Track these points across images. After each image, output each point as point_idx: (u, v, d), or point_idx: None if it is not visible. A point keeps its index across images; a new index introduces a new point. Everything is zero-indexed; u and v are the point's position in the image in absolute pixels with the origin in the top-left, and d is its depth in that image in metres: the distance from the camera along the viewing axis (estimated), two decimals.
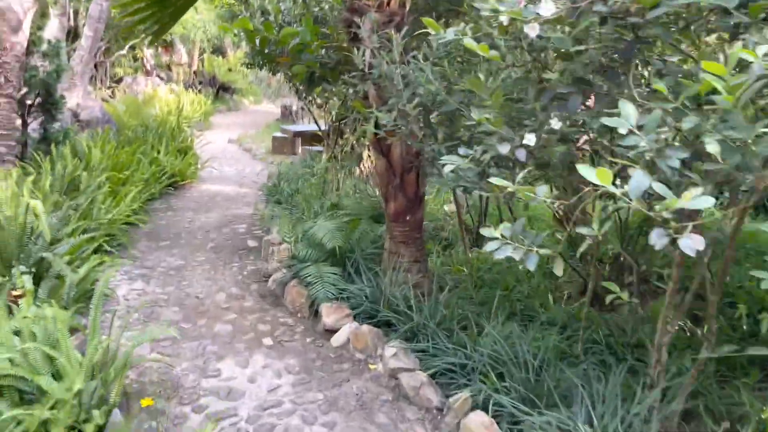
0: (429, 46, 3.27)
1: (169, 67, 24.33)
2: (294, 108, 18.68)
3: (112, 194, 5.80)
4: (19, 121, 6.36)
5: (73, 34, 10.91)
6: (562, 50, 1.90)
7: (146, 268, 5.15)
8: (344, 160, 6.93)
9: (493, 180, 2.08)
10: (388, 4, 3.86)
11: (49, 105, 6.29)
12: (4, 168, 5.78)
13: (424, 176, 4.39)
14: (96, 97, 13.66)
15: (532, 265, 2.07)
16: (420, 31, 2.59)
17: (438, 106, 3.26)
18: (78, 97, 8.54)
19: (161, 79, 22.41)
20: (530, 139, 2.17)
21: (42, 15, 6.15)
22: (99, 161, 6.38)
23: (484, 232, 2.19)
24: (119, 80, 17.12)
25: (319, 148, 10.21)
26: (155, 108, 14.19)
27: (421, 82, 3.20)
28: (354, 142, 7.18)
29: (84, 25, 9.66)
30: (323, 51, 5.35)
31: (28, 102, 6.38)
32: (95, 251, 4.77)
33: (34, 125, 6.55)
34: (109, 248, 5.15)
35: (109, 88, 16.48)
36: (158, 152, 8.42)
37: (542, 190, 2.03)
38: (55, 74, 6.15)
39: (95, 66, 15.62)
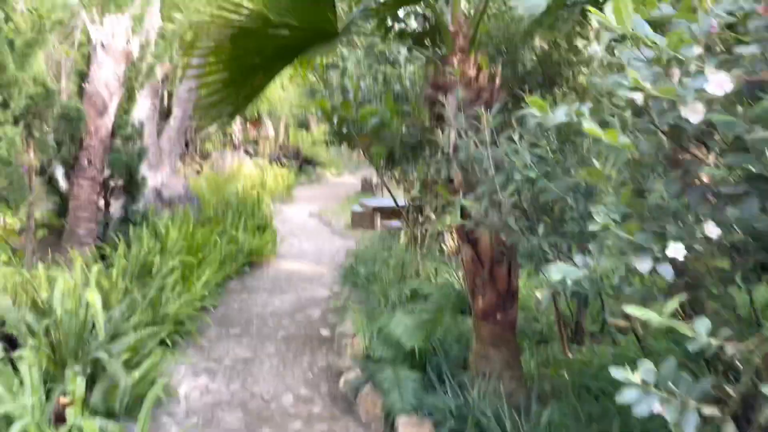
0: (522, 124, 2.82)
1: (256, 141, 25.32)
2: (374, 181, 18.71)
3: (184, 278, 5.60)
4: (101, 202, 6.40)
5: (165, 114, 11.34)
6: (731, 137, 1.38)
7: (213, 360, 4.81)
8: (424, 241, 6.49)
9: (631, 309, 1.55)
10: (477, 79, 3.47)
11: (131, 186, 6.30)
12: (81, 251, 5.75)
13: (518, 267, 3.86)
14: (184, 173, 14.11)
15: (690, 430, 1.49)
16: (520, 112, 2.14)
17: (538, 195, 2.78)
18: (163, 175, 8.70)
19: (248, 153, 23.27)
20: (677, 250, 1.62)
21: (129, 97, 6.25)
22: (174, 243, 6.26)
23: (617, 374, 1.63)
24: (208, 155, 17.80)
25: (397, 223, 9.86)
26: (239, 183, 14.50)
27: (517, 167, 2.73)
28: (434, 220, 6.75)
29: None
30: (404, 129, 5.03)
31: (112, 184, 6.43)
32: (161, 342, 4.49)
33: (116, 206, 6.58)
34: (176, 338, 4.88)
35: (198, 163, 17.12)
36: (237, 230, 8.33)
37: (704, 326, 1.47)
38: (137, 156, 6.18)
39: (186, 143, 16.33)
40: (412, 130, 5.07)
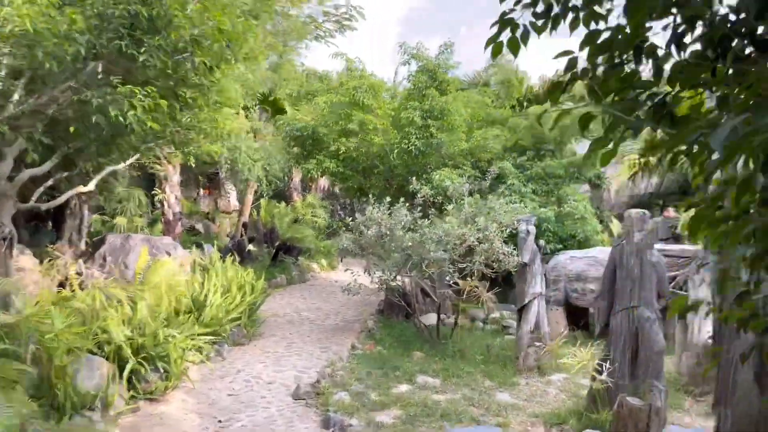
0: None
1: (209, 216, 16.93)
2: (408, 290, 10.21)
3: None
4: None
5: None
6: None
7: None
8: None
9: None
10: None
11: None
12: None
13: None
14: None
15: None
16: None
17: None
18: None
19: (193, 234, 14.86)
20: None
21: None
22: None
23: None
24: (99, 241, 9.21)
25: None
26: (140, 310, 6.14)
27: None
28: None
29: None
30: None
31: None
32: None
33: None
34: None
35: (81, 256, 8.64)
36: None
37: None
38: None
39: (56, 214, 7.90)
40: None
